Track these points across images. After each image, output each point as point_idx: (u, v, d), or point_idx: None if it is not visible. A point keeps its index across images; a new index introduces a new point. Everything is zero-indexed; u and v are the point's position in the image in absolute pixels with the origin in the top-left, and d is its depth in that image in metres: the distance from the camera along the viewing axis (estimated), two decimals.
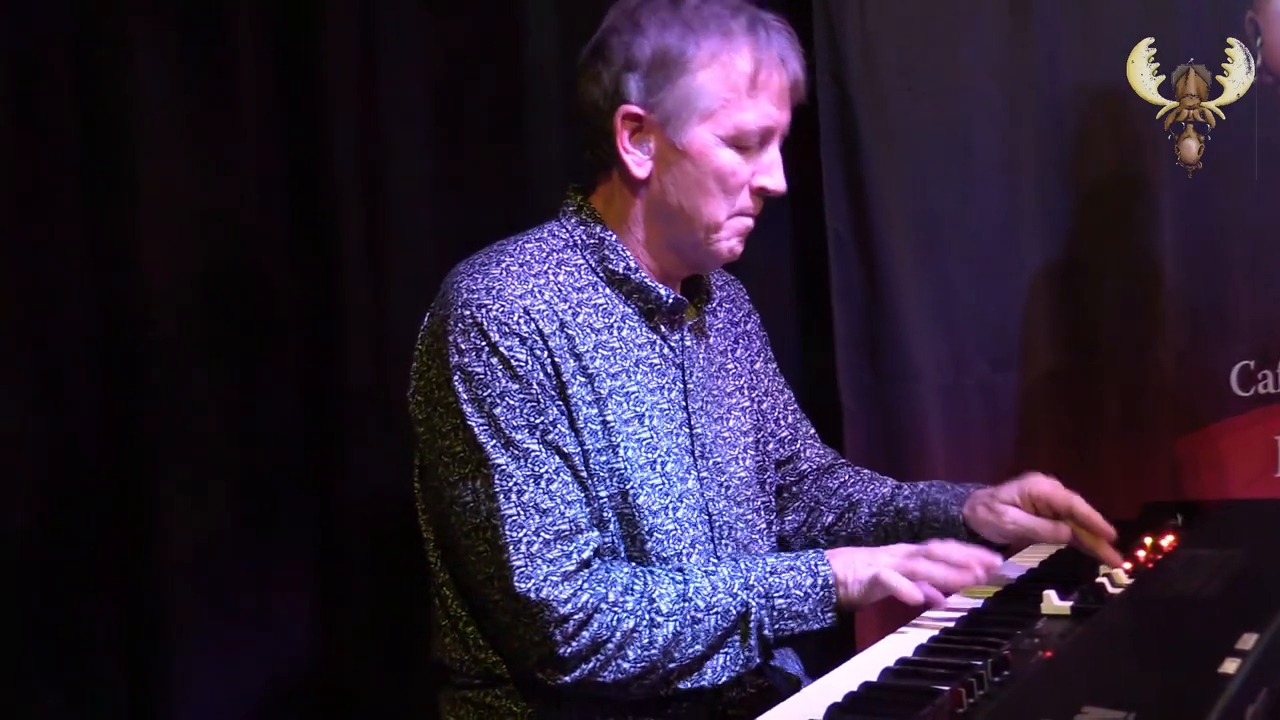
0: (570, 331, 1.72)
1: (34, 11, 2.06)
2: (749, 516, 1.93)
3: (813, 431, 2.18)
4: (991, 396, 2.76)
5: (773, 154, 1.79)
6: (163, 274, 2.19)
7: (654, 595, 1.69)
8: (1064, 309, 2.76)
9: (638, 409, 1.77)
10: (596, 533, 1.71)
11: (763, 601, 1.71)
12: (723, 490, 1.88)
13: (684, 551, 1.80)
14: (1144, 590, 1.66)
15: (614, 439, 1.74)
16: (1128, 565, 1.75)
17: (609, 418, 1.74)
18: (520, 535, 1.66)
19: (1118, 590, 1.65)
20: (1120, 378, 2.74)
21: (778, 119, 1.78)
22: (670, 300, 1.81)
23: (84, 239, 2.13)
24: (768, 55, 1.75)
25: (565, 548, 1.66)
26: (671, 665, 1.69)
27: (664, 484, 1.78)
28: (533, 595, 1.65)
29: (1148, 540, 1.86)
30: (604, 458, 1.73)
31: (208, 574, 2.23)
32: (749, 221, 1.82)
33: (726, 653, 1.72)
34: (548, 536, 1.66)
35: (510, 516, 1.66)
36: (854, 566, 1.74)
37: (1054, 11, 2.70)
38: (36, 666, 2.07)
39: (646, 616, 1.68)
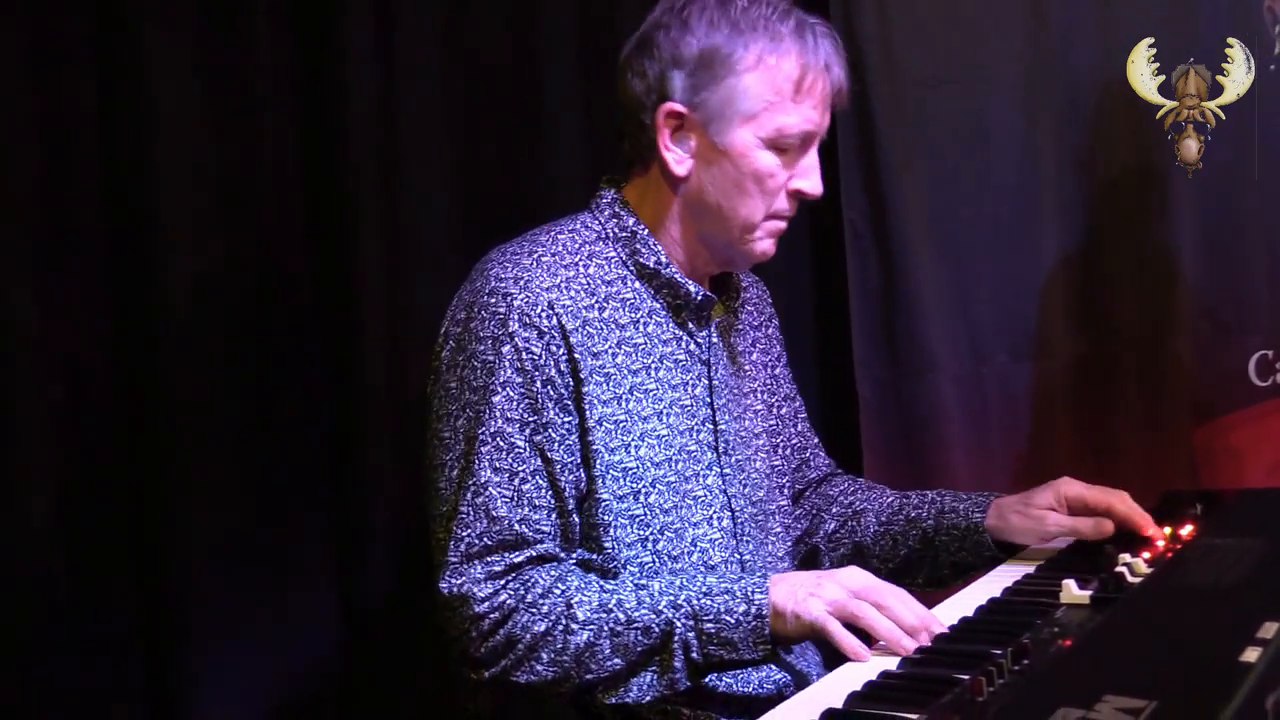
0: (593, 328, 1.73)
1: (52, 4, 2.07)
2: (763, 518, 1.93)
3: (817, 440, 2.18)
4: (1009, 387, 2.76)
5: (811, 158, 1.79)
6: (180, 267, 2.19)
7: (572, 601, 1.67)
8: (1082, 299, 2.76)
9: (657, 406, 1.78)
10: (548, 544, 1.70)
11: (690, 623, 1.65)
12: (743, 488, 1.88)
13: (705, 550, 1.80)
14: (1164, 579, 1.65)
15: (627, 437, 1.75)
16: (1147, 555, 1.75)
17: (624, 415, 1.74)
18: (464, 534, 1.68)
19: (1137, 579, 1.65)
20: (1138, 368, 2.75)
21: (819, 124, 1.78)
22: (699, 297, 1.82)
23: (101, 233, 2.13)
24: (814, 60, 1.74)
25: (504, 554, 1.67)
26: (589, 676, 1.67)
27: (678, 481, 1.79)
28: (455, 591, 1.67)
29: (1167, 529, 1.86)
30: (617, 456, 1.74)
31: (226, 567, 2.23)
32: (783, 224, 1.82)
33: (652, 670, 1.68)
34: (490, 543, 1.67)
35: (463, 514, 1.68)
36: (795, 598, 1.64)
37: (1071, 5, 2.70)
38: (56, 661, 2.08)
39: (562, 622, 1.66)
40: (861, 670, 1.52)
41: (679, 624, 1.65)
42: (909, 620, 1.60)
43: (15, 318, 2.04)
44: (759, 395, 2.00)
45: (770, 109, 1.74)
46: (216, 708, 2.22)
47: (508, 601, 1.67)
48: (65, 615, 2.08)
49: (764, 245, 1.82)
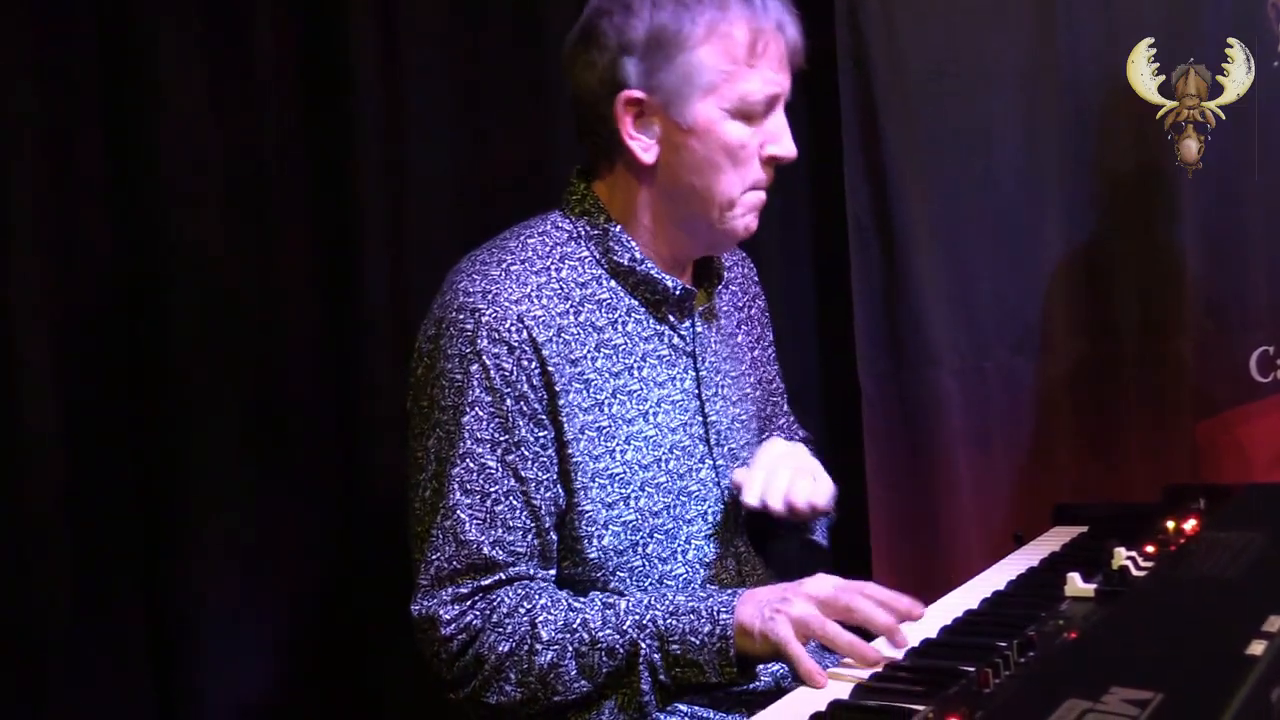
0: (568, 335, 1.69)
1: None
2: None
3: (784, 419, 2.13)
4: (1011, 381, 2.77)
5: (778, 120, 1.74)
6: (187, 265, 2.20)
7: (536, 620, 1.64)
8: (1084, 294, 2.77)
9: (641, 406, 1.75)
10: (521, 566, 1.67)
11: (655, 644, 1.62)
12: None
13: (700, 546, 1.79)
14: (1168, 573, 1.66)
15: (611, 443, 1.72)
16: (1150, 548, 1.75)
17: (606, 421, 1.71)
18: (434, 558, 1.66)
19: (1142, 573, 1.65)
20: (1140, 363, 2.75)
21: (780, 85, 1.72)
22: (679, 291, 1.78)
23: (109, 226, 2.14)
24: (765, 22, 1.69)
25: (473, 577, 1.65)
26: (556, 698, 1.65)
27: (670, 481, 1.77)
28: (424, 614, 1.66)
29: (1170, 524, 1.86)
30: (602, 464, 1.71)
31: (232, 564, 2.24)
32: (762, 195, 1.77)
33: (623, 693, 1.65)
34: (459, 566, 1.65)
35: (433, 538, 1.66)
36: (762, 616, 1.59)
37: (1074, 2, 2.70)
38: (62, 657, 2.09)
39: (526, 642, 1.63)
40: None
41: (644, 645, 1.62)
42: (881, 621, 1.56)
43: (19, 308, 2.05)
44: (748, 377, 1.96)
45: (729, 78, 1.68)
46: (222, 703, 2.23)
47: (474, 622, 1.65)
48: (73, 611, 2.09)
49: (746, 221, 1.76)
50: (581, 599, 1.69)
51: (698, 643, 1.61)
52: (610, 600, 1.67)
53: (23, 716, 2.07)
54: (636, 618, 1.63)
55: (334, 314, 2.35)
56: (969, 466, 2.75)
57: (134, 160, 2.16)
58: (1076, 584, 1.63)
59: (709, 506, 1.81)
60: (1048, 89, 2.72)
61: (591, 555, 1.72)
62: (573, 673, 1.64)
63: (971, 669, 1.33)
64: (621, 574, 1.73)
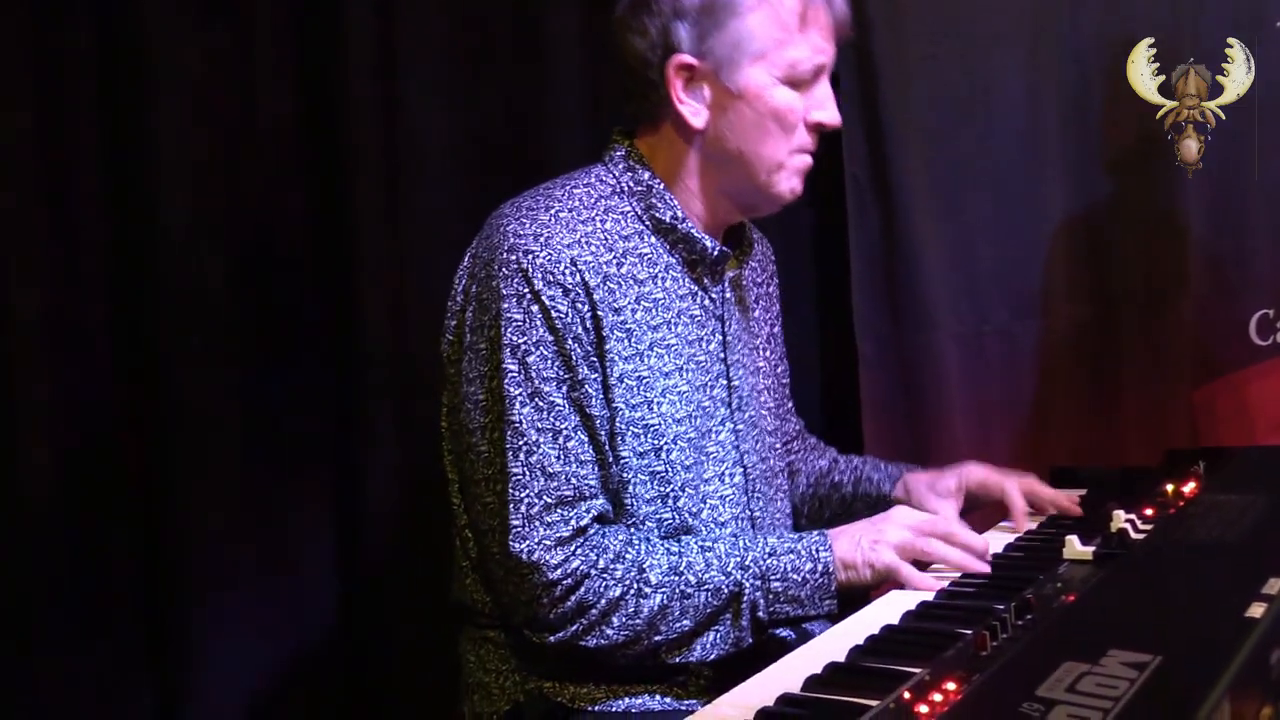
0: (613, 284, 1.71)
1: None
2: (771, 475, 1.93)
3: (793, 420, 2.21)
4: (1011, 344, 2.76)
5: (824, 89, 1.78)
6: (180, 240, 2.18)
7: (644, 565, 1.67)
8: (1085, 257, 2.75)
9: (676, 361, 1.77)
10: (601, 500, 1.69)
11: (757, 583, 1.68)
12: (755, 444, 1.88)
13: (715, 507, 1.80)
14: (1167, 536, 1.65)
15: (649, 394, 1.73)
16: (1149, 511, 1.75)
17: (646, 372, 1.73)
18: (522, 495, 1.66)
19: (1140, 536, 1.65)
20: (1140, 326, 2.74)
21: (827, 54, 1.76)
22: (715, 252, 1.80)
23: (102, 208, 2.13)
24: None
25: (565, 513, 1.66)
26: (658, 638, 1.67)
27: (697, 438, 1.78)
28: (525, 557, 1.65)
29: (1169, 487, 1.86)
30: (639, 413, 1.72)
31: (229, 533, 2.24)
32: (808, 159, 1.80)
33: (717, 630, 1.70)
34: (549, 500, 1.66)
35: (516, 475, 1.66)
36: (861, 548, 1.70)
37: None
38: (59, 633, 2.08)
39: (634, 586, 1.66)
40: (865, 624, 1.52)
41: (747, 584, 1.68)
42: (977, 545, 1.71)
43: (17, 306, 2.03)
44: (761, 352, 1.99)
45: (779, 45, 1.72)
46: (219, 673, 2.23)
47: (580, 568, 1.65)
48: (70, 588, 2.09)
49: (792, 183, 1.80)
50: (677, 542, 1.72)
51: (799, 579, 1.69)
52: (706, 543, 1.72)
53: (21, 717, 2.07)
54: (738, 558, 1.69)
55: (333, 311, 2.34)
56: (968, 429, 2.74)
57: (132, 161, 2.14)
58: (1075, 547, 1.63)
59: (727, 469, 1.82)
60: (1049, 50, 2.69)
61: (626, 501, 1.73)
62: (676, 613, 1.67)
63: (969, 632, 1.33)
64: (650, 525, 1.75)
